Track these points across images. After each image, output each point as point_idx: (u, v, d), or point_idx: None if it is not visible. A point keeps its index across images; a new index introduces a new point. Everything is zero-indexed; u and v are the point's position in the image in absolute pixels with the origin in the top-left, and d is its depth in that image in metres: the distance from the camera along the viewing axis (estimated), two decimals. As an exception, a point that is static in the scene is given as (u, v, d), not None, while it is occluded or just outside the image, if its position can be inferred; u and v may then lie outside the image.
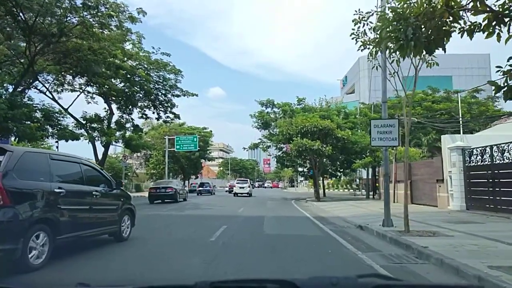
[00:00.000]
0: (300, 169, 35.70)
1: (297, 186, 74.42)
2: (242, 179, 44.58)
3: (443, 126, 23.94)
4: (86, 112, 27.53)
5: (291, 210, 18.20)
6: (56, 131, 19.89)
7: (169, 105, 33.04)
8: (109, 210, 7.43)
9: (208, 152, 60.43)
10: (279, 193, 51.57)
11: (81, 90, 28.56)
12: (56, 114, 19.54)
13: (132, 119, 32.37)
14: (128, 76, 27.57)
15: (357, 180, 40.59)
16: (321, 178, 30.94)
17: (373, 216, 13.62)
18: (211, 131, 59.20)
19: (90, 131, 26.58)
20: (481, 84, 34.00)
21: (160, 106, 33.03)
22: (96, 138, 26.17)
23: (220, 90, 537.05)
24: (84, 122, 27.14)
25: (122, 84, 28.57)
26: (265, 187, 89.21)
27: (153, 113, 33.31)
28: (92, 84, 23.60)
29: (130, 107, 30.34)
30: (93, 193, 6.87)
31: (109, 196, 7.53)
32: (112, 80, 27.53)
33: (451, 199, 16.02)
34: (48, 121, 18.53)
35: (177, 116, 33.99)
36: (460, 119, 22.62)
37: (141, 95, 31.91)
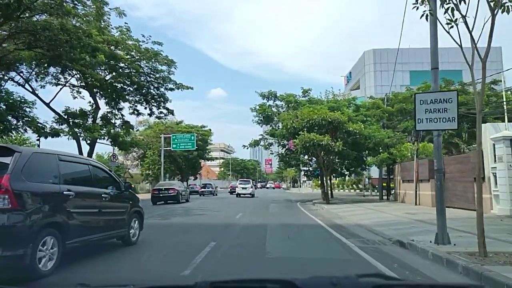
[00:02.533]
0: (305, 168, 32.71)
1: (300, 187, 71.46)
2: (244, 180, 43.63)
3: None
4: (68, 107, 24.90)
5: (298, 216, 15.31)
6: (21, 124, 17.04)
7: (162, 99, 30.41)
8: (118, 213, 7.15)
9: (207, 151, 57.63)
10: (281, 194, 48.67)
11: (64, 83, 25.96)
12: (22, 105, 16.69)
13: (122, 115, 29.88)
14: (115, 65, 24.88)
15: (367, 179, 37.63)
16: (329, 178, 27.95)
17: (404, 224, 10.75)
18: (210, 129, 56.50)
19: (72, 127, 23.88)
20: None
21: (153, 100, 30.45)
22: (79, 135, 23.35)
23: (222, 91, 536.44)
24: (66, 117, 24.45)
25: (109, 76, 25.88)
26: (268, 188, 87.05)
27: (145, 108, 30.82)
28: (70, 72, 20.78)
29: (118, 100, 27.58)
30: (102, 195, 6.61)
31: (118, 199, 7.22)
32: (100, 73, 24.86)
33: (495, 202, 13.13)
34: (11, 112, 15.68)
35: (170, 112, 31.37)
36: (505, 104, 19.66)
37: (131, 89, 29.44)
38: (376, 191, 37.79)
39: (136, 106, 30.53)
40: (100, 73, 25.33)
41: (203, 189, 42.30)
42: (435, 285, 2.75)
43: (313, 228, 10.72)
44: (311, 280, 1.49)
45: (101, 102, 29.46)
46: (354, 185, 54.20)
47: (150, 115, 31.13)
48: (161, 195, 23.98)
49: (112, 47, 23.56)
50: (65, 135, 23.02)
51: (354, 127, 21.43)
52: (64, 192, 5.49)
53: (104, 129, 24.71)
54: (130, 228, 7.47)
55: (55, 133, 23.42)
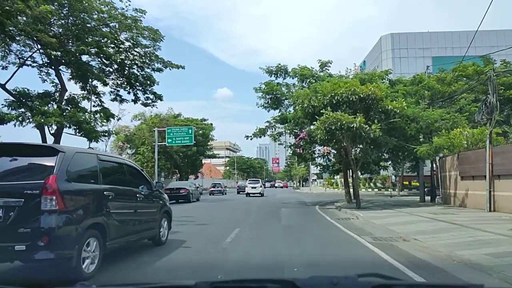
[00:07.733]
0: (320, 161, 26.90)
1: (311, 185, 65.59)
2: (254, 179, 43.86)
3: None
4: (27, 89, 19.71)
5: (330, 233, 9.71)
6: None
7: (148, 82, 25.21)
8: (151, 213, 7.17)
9: (208, 147, 52.25)
10: (292, 194, 43.04)
11: (24, 60, 20.76)
12: None
13: (101, 101, 24.89)
14: (78, 32, 19.52)
15: (393, 177, 31.83)
16: (358, 174, 21.99)
17: None
18: (211, 124, 51.17)
19: (28, 110, 18.71)
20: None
21: (137, 84, 25.32)
22: (30, 120, 17.98)
23: (228, 90, 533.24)
24: (21, 99, 19.20)
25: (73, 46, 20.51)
26: (276, 187, 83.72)
27: (129, 93, 25.76)
28: (8, 31, 15.40)
29: (89, 80, 22.25)
30: (137, 195, 6.62)
31: (150, 198, 7.22)
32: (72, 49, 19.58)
33: None
34: None
35: (158, 97, 26.15)
36: None
37: (111, 70, 24.43)
38: (397, 190, 32.08)
39: (118, 90, 25.58)
40: (71, 49, 20.01)
41: (212, 189, 44.02)
42: (435, 285, 2.62)
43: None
44: (311, 279, 1.49)
45: (77, 87, 24.66)
46: (370, 184, 48.21)
47: (135, 101, 25.87)
48: (172, 194, 24.36)
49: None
50: (12, 121, 17.77)
51: (394, 105, 15.71)
52: (105, 192, 5.47)
53: (66, 113, 19.24)
54: (160, 228, 7.47)
55: (1, 119, 18.22)
